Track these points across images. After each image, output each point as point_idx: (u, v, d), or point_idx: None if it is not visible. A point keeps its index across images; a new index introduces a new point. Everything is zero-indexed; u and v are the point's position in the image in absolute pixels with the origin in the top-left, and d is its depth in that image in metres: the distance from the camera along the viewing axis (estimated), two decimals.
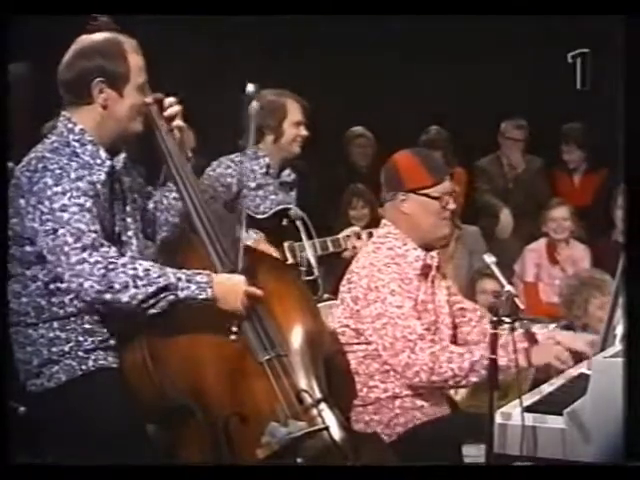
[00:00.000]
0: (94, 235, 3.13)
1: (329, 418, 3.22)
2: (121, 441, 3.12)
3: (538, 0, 3.80)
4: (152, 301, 3.14)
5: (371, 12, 3.97)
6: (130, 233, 3.36)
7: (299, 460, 3.07)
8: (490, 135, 7.54)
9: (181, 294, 3.15)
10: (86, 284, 3.10)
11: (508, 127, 7.45)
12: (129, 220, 3.37)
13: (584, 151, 7.38)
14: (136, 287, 3.11)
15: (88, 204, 3.16)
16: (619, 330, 3.89)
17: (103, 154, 3.29)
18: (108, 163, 3.29)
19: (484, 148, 7.60)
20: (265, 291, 3.34)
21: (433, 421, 3.66)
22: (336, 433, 3.20)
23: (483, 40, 7.31)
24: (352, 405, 3.67)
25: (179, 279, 3.16)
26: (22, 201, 3.18)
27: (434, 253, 3.79)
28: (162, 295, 3.14)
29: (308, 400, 3.21)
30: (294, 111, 4.81)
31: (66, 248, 3.11)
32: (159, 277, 3.14)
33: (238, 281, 3.24)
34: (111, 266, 3.11)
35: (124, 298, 3.11)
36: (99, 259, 3.11)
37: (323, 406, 3.23)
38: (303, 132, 4.82)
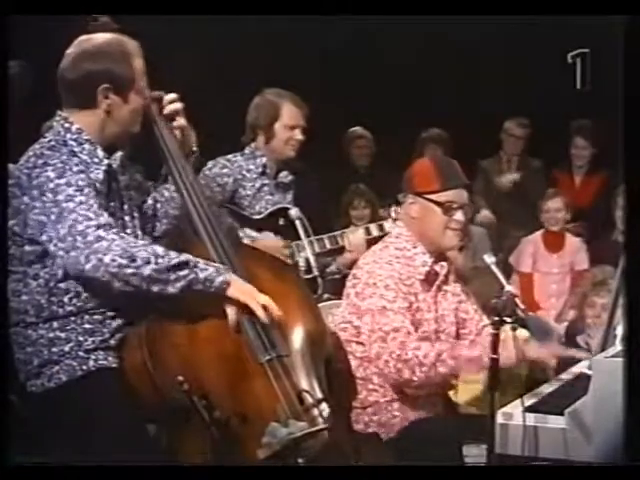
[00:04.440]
0: (107, 217, 3.13)
1: (330, 418, 3.22)
2: (121, 441, 3.12)
3: (539, 0, 3.80)
4: (173, 276, 3.10)
5: (371, 12, 3.97)
6: (128, 231, 3.35)
7: (300, 460, 3.06)
8: (491, 135, 7.56)
9: (200, 274, 3.13)
10: (106, 258, 3.05)
11: (511, 125, 7.52)
12: (127, 218, 3.37)
13: (594, 148, 7.37)
14: (157, 264, 3.09)
15: (92, 195, 3.16)
16: (619, 330, 3.90)
17: (100, 153, 3.29)
18: (106, 162, 3.29)
19: (484, 148, 7.61)
20: (265, 291, 3.34)
21: (429, 420, 3.65)
22: (337, 433, 3.19)
23: (483, 40, 7.31)
24: (352, 406, 3.66)
25: (198, 262, 3.16)
26: (24, 198, 3.17)
27: (444, 263, 3.76)
28: (182, 272, 3.11)
29: (309, 400, 3.19)
30: (288, 113, 4.74)
31: (80, 227, 3.08)
32: (178, 256, 3.13)
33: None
34: (132, 244, 3.12)
35: (146, 271, 3.08)
36: (115, 237, 3.10)
37: (324, 406, 3.22)
38: (298, 136, 4.74)
